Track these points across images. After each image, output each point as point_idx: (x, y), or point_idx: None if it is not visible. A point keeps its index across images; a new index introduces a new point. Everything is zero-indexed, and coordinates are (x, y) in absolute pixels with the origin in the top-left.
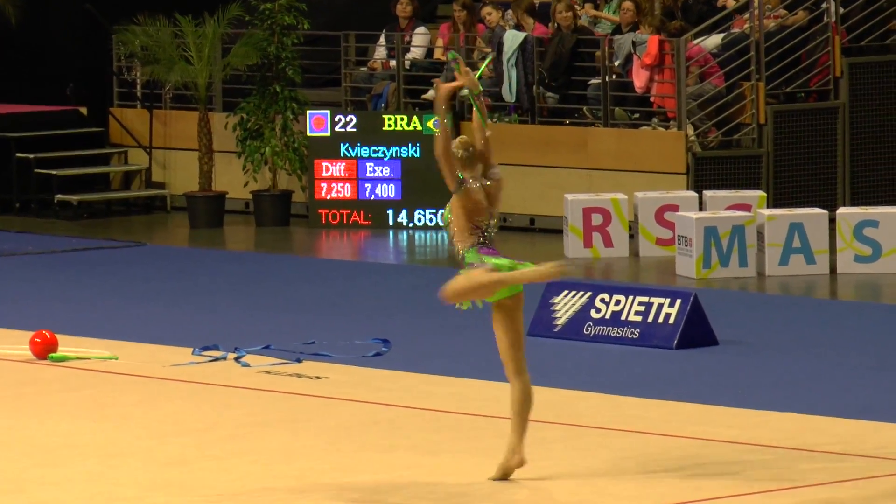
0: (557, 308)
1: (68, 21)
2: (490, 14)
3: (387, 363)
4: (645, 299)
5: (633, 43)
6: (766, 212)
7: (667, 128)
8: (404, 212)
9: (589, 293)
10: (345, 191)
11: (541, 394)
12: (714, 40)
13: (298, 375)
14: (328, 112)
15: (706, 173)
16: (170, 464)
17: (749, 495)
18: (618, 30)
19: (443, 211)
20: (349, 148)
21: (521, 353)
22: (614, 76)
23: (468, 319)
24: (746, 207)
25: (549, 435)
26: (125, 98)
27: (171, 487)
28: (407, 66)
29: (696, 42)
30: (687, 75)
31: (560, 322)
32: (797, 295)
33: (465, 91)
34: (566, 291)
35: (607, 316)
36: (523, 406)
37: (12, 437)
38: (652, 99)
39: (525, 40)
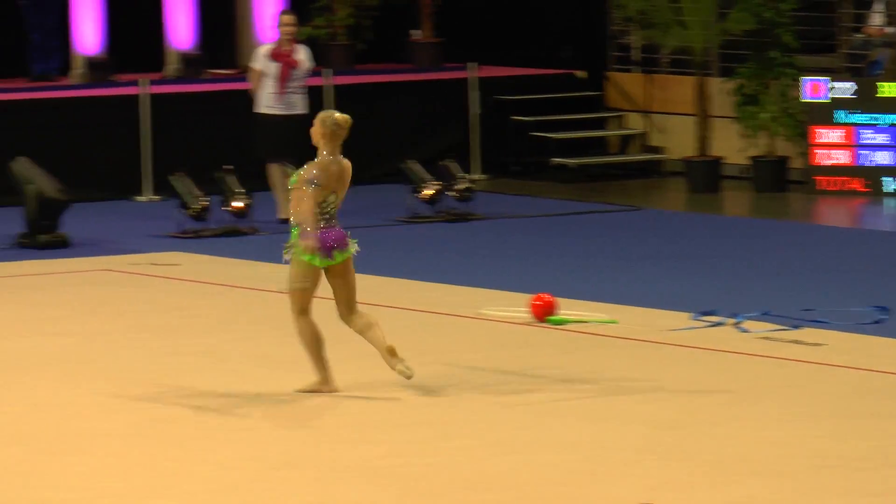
0: None
1: None
2: None
3: (885, 331)
4: None
5: None
6: None
7: None
8: None
9: None
10: (842, 157)
11: None
12: None
13: (797, 342)
14: (828, 79)
15: None
16: (662, 427)
17: None
18: None
19: None
20: (845, 114)
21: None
22: None
23: None
24: None
25: None
26: (621, 62)
27: (665, 451)
28: None
29: None
30: None
31: None
32: None
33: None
34: None
35: None
36: (318, 341)
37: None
38: None
39: None
